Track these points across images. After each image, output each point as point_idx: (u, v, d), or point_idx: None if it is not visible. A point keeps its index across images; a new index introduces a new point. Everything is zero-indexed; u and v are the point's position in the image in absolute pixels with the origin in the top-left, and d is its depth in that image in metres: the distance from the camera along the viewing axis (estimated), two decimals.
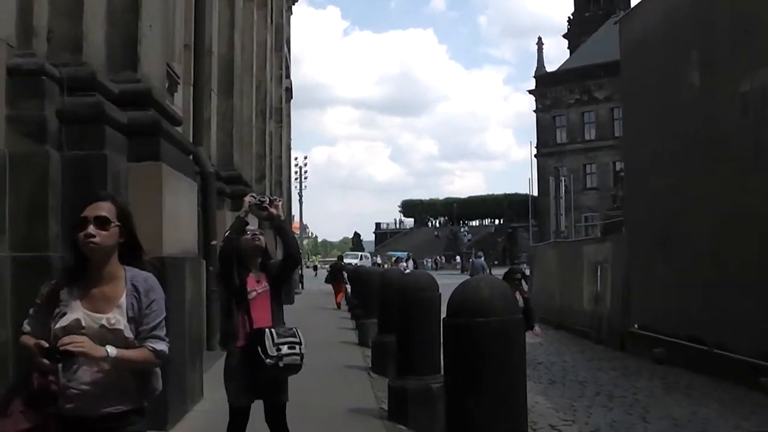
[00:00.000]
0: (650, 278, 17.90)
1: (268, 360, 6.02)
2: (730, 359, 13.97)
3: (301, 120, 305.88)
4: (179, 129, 9.90)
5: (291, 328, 6.27)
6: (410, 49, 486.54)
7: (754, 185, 13.71)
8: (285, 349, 6.08)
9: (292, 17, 46.29)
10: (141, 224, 7.57)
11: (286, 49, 39.24)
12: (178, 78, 13.51)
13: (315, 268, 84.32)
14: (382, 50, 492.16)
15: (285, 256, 6.66)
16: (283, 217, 6.65)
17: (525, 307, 11.21)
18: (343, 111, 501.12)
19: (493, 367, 5.37)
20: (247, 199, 6.57)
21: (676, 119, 16.83)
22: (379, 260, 76.00)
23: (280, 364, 6.05)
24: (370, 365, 13.37)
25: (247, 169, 20.08)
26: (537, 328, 12.34)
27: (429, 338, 9.48)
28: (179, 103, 13.65)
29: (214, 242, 13.33)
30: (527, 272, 35.79)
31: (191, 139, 13.67)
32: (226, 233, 6.51)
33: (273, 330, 6.13)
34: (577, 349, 19.37)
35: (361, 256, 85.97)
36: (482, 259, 40.84)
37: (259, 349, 6.04)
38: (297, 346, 6.15)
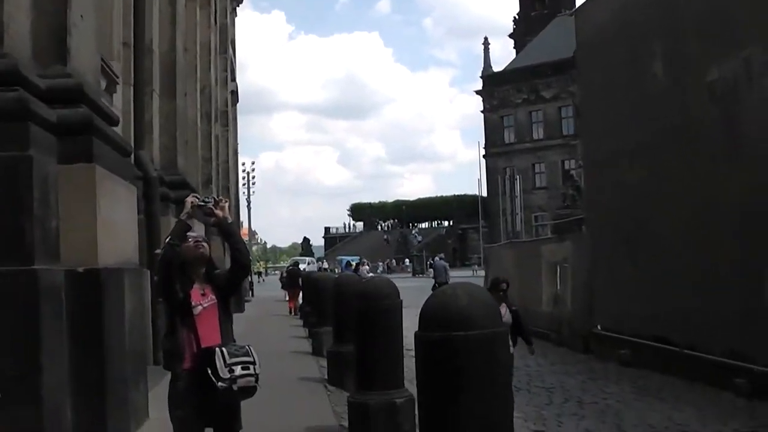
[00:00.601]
0: (614, 277, 17.46)
1: (220, 383, 5.32)
2: (700, 360, 13.53)
3: (247, 126, 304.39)
4: (118, 130, 9.19)
5: (243, 346, 5.57)
6: (356, 52, 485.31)
7: (724, 177, 13.28)
8: (238, 370, 5.38)
9: (237, 20, 45.49)
10: (74, 232, 6.98)
11: (231, 51, 38.39)
12: (117, 77, 12.72)
13: (259, 274, 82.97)
14: (328, 54, 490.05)
15: (234, 264, 5.93)
16: (230, 220, 5.93)
17: (515, 322, 10.59)
18: (290, 116, 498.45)
19: (476, 385, 4.68)
20: (189, 199, 5.85)
21: (642, 110, 16.33)
22: (325, 265, 74.82)
23: (234, 387, 5.36)
24: (326, 377, 12.69)
25: (192, 173, 19.29)
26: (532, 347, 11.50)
27: (391, 350, 8.85)
28: (119, 104, 12.86)
29: (158, 251, 12.54)
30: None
31: (132, 142, 12.90)
32: (166, 239, 5.79)
33: (224, 349, 5.43)
34: (539, 352, 18.65)
35: (308, 261, 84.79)
36: (443, 260, 39.94)
37: (210, 372, 5.34)
38: (251, 366, 5.46)
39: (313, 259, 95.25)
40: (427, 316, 4.88)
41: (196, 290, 5.66)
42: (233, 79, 40.84)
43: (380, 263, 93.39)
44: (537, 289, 22.45)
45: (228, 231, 5.89)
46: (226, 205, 5.92)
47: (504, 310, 10.13)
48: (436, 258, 43.06)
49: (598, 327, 17.97)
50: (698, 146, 14.16)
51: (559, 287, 20.83)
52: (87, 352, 6.86)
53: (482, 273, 42.59)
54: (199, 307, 5.60)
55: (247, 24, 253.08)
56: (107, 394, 7.09)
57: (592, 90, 20.37)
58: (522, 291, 24.42)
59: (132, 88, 13.64)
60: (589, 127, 21.23)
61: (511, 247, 31.19)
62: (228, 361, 5.36)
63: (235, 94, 42.48)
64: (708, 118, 13.89)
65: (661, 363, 14.68)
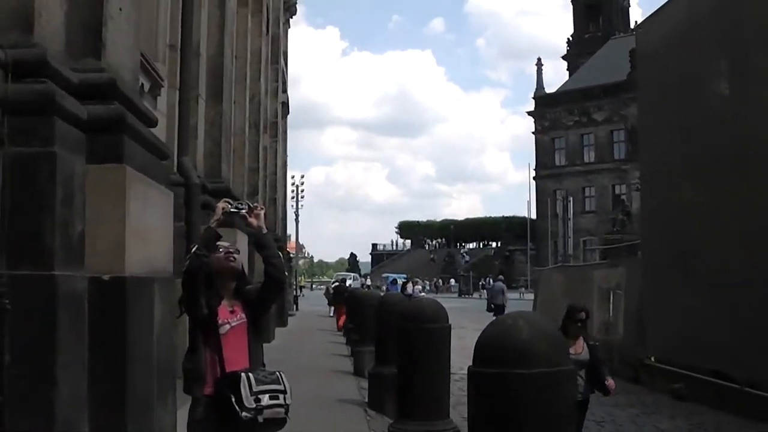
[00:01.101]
0: (668, 306, 16.67)
1: (244, 413, 4.75)
2: (762, 398, 12.72)
3: (299, 140, 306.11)
4: (161, 134, 8.71)
5: (273, 372, 4.99)
6: (409, 70, 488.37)
7: None
8: (266, 400, 4.81)
9: (290, 32, 45.20)
10: (100, 236, 6.48)
11: (282, 61, 38.07)
12: (162, 80, 12.30)
13: (301, 288, 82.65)
14: (381, 71, 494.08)
15: (267, 279, 5.33)
16: (265, 231, 5.35)
17: (592, 359, 8.94)
18: (341, 131, 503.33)
19: (535, 429, 4.11)
20: (221, 204, 5.32)
21: (702, 130, 15.55)
22: (368, 282, 74.08)
23: (260, 418, 4.78)
24: (366, 399, 12.13)
25: (238, 182, 18.86)
26: (610, 380, 9.22)
27: (436, 376, 8.31)
28: (163, 107, 12.43)
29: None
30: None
31: (176, 148, 12.47)
32: (193, 248, 5.23)
33: (251, 374, 4.85)
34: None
35: (352, 277, 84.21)
36: (501, 282, 38.40)
37: (233, 399, 4.77)
38: (281, 395, 4.89)
39: (357, 275, 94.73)
40: (483, 349, 4.29)
41: (224, 307, 5.11)
42: (284, 91, 40.51)
43: (427, 282, 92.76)
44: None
45: (262, 242, 5.32)
46: (262, 213, 5.37)
47: (581, 344, 8.79)
48: (488, 278, 42.21)
49: (652, 358, 17.21)
50: (762, 165, 13.35)
51: (611, 314, 20.10)
52: (108, 365, 6.32)
53: (530, 296, 41.77)
54: (227, 326, 5.05)
55: (301, 38, 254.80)
56: (128, 410, 6.54)
57: (651, 107, 19.62)
58: None
59: (177, 91, 13.20)
60: (648, 145, 20.43)
61: (561, 271, 30.46)
62: (254, 389, 4.79)
63: (285, 105, 42.16)
64: None
65: (718, 399, 13.91)
